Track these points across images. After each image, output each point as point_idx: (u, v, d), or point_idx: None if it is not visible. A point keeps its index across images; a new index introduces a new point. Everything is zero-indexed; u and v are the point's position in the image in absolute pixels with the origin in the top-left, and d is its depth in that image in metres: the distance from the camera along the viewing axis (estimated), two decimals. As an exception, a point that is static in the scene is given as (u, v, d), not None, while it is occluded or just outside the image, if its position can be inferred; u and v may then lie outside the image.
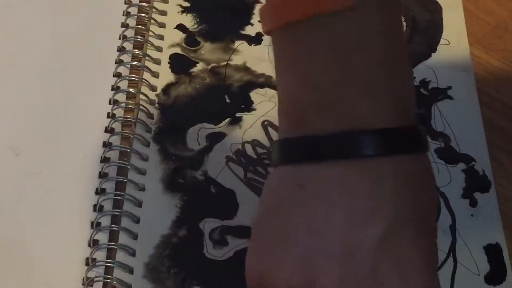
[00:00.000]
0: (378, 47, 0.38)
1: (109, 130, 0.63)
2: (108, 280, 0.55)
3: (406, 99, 0.39)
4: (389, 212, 0.37)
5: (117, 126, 0.63)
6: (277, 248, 0.40)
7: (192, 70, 0.67)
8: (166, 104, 0.65)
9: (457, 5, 0.72)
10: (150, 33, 0.69)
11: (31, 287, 0.55)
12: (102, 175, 0.60)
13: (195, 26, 0.70)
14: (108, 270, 0.56)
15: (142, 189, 0.60)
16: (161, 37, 0.69)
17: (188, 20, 0.71)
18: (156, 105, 0.65)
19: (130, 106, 0.64)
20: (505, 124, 0.65)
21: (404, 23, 0.71)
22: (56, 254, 0.56)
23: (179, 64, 0.68)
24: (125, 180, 0.60)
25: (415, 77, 0.67)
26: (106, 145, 0.62)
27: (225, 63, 0.68)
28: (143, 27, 0.69)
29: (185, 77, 0.67)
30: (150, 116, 0.64)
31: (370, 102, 0.38)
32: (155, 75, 0.67)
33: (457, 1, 0.72)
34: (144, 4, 0.71)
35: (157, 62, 0.67)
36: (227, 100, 0.66)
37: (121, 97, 0.65)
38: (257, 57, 0.68)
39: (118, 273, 0.56)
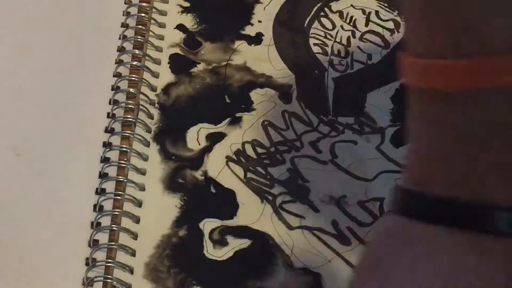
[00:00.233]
0: None
1: (109, 130, 0.63)
2: (108, 280, 0.55)
3: None
4: None
5: (117, 126, 0.63)
6: None
7: (192, 70, 0.67)
8: (166, 104, 0.65)
9: (457, 5, 0.72)
10: (150, 33, 0.69)
11: (31, 287, 0.55)
12: (102, 175, 0.60)
13: (195, 26, 0.70)
14: (108, 270, 0.56)
15: (142, 189, 0.60)
16: (161, 37, 0.69)
17: (188, 20, 0.71)
18: (156, 105, 0.65)
19: (130, 106, 0.64)
20: (505, 124, 0.65)
21: (404, 23, 0.71)
22: (56, 254, 0.56)
23: (179, 64, 0.68)
24: (125, 180, 0.60)
25: (415, 77, 0.67)
26: (106, 145, 0.62)
27: (225, 63, 0.68)
28: (143, 27, 0.69)
29: (185, 77, 0.67)
30: (150, 116, 0.64)
31: (505, 178, 0.37)
32: (155, 75, 0.67)
33: (457, 1, 0.72)
34: (144, 4, 0.71)
35: (157, 62, 0.67)
36: (227, 100, 0.66)
37: (121, 97, 0.65)
38: (257, 57, 0.68)
39: (118, 273, 0.56)
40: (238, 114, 0.65)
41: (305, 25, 0.71)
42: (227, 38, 0.69)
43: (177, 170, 0.61)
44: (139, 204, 0.59)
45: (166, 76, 0.67)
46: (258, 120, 0.64)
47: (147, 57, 0.67)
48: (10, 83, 0.65)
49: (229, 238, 0.58)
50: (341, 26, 0.71)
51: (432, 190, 0.38)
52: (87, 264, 0.56)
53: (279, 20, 0.71)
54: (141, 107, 0.64)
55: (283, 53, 0.69)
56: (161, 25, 0.70)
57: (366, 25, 0.71)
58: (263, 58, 0.68)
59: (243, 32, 0.70)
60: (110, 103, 0.64)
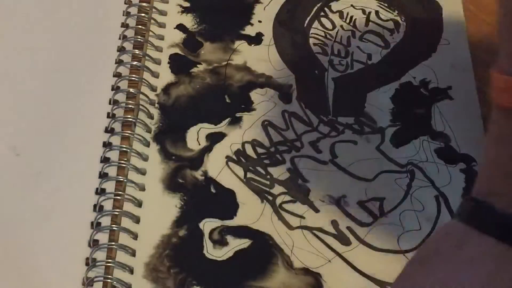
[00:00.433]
0: None
1: (109, 130, 0.63)
2: (108, 280, 0.55)
3: None
4: None
5: (117, 126, 0.63)
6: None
7: (192, 70, 0.67)
8: (166, 104, 0.65)
9: (457, 5, 0.72)
10: (150, 33, 0.69)
11: (31, 287, 0.55)
12: (102, 175, 0.60)
13: (195, 26, 0.70)
14: (108, 270, 0.56)
15: (142, 189, 0.60)
16: (161, 37, 0.69)
17: (188, 20, 0.71)
18: (156, 105, 0.65)
19: (130, 106, 0.64)
20: (505, 124, 0.65)
21: (404, 23, 0.71)
22: (56, 254, 0.56)
23: (179, 64, 0.68)
24: (125, 180, 0.60)
25: (415, 77, 0.67)
26: (106, 145, 0.62)
27: (225, 63, 0.68)
28: (143, 27, 0.69)
29: (185, 77, 0.67)
30: (150, 116, 0.64)
31: None
32: (155, 75, 0.67)
33: (457, 1, 0.72)
34: (144, 4, 0.71)
35: (157, 62, 0.67)
36: (227, 100, 0.66)
37: (121, 97, 0.65)
38: (257, 57, 0.68)
39: (118, 273, 0.56)
40: (238, 114, 0.65)
41: (305, 25, 0.71)
42: (227, 38, 0.69)
43: (177, 170, 0.61)
44: (139, 204, 0.59)
45: (166, 76, 0.67)
46: (258, 120, 0.64)
47: (147, 57, 0.67)
48: (10, 83, 0.65)
49: (229, 238, 0.58)
50: (341, 26, 0.71)
51: (494, 203, 0.41)
52: (87, 264, 0.56)
53: (279, 20, 0.71)
54: (141, 107, 0.64)
55: (283, 53, 0.69)
56: (161, 25, 0.70)
57: (366, 25, 0.71)
58: (263, 58, 0.68)
59: (243, 32, 0.70)
60: (110, 103, 0.64)
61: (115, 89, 0.65)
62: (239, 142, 0.63)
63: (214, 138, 0.63)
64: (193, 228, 0.58)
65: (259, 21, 0.71)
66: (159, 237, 0.57)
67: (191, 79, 0.67)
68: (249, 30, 0.70)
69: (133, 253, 0.57)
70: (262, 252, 0.57)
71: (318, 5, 0.72)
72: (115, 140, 0.62)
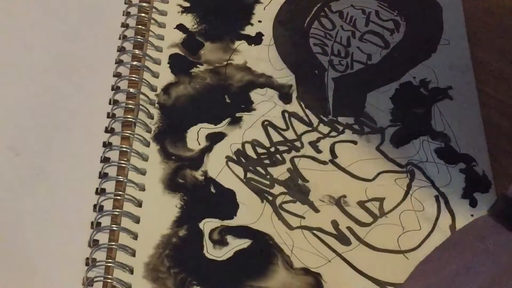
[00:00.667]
0: None
1: (109, 130, 0.63)
2: (108, 280, 0.55)
3: None
4: None
5: (117, 126, 0.63)
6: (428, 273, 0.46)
7: (192, 70, 0.67)
8: (166, 104, 0.65)
9: (457, 5, 0.72)
10: (150, 33, 0.69)
11: (31, 287, 0.55)
12: (102, 175, 0.60)
13: (195, 26, 0.70)
14: (108, 270, 0.56)
15: (142, 189, 0.60)
16: (161, 37, 0.69)
17: (188, 20, 0.71)
18: (156, 105, 0.65)
19: (130, 106, 0.64)
20: (505, 124, 0.65)
21: (404, 23, 0.71)
22: (56, 254, 0.56)
23: (179, 64, 0.68)
24: (125, 180, 0.60)
25: (415, 77, 0.67)
26: (106, 145, 0.62)
27: (226, 63, 0.68)
28: (143, 27, 0.69)
29: (185, 77, 0.67)
30: (150, 116, 0.64)
31: None
32: (155, 75, 0.67)
33: (457, 1, 0.72)
34: (144, 4, 0.71)
35: (157, 62, 0.67)
36: (227, 100, 0.66)
37: (121, 97, 0.65)
38: (257, 57, 0.68)
39: (118, 273, 0.56)
40: (238, 114, 0.65)
41: (305, 25, 0.71)
42: (227, 38, 0.69)
43: (177, 170, 0.61)
44: (139, 204, 0.59)
45: (166, 76, 0.67)
46: (258, 120, 0.64)
47: (147, 57, 0.67)
48: (10, 83, 0.65)
49: (229, 238, 0.58)
50: (341, 26, 0.71)
51: None
52: (87, 264, 0.56)
53: (279, 20, 0.71)
54: (141, 107, 0.64)
55: (283, 53, 0.69)
56: (161, 25, 0.70)
57: (366, 25, 0.71)
58: (263, 58, 0.68)
59: (243, 32, 0.70)
60: (110, 103, 0.64)
61: (115, 89, 0.65)
62: (239, 142, 0.63)
63: (214, 138, 0.63)
64: (193, 228, 0.58)
65: (259, 21, 0.71)
66: (159, 237, 0.57)
67: (191, 79, 0.67)
68: (249, 30, 0.70)
69: (133, 253, 0.57)
70: (262, 252, 0.57)
71: (318, 5, 0.72)
72: (115, 140, 0.62)
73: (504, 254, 0.43)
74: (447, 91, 0.66)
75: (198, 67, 0.67)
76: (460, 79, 0.67)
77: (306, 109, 0.65)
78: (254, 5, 0.72)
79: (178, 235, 0.58)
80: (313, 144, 0.63)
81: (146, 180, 0.60)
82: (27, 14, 0.70)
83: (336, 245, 0.58)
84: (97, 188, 0.59)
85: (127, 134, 0.62)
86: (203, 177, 0.61)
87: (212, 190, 0.60)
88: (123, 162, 0.61)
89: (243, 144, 0.63)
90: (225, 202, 0.60)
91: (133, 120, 0.63)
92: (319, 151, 0.63)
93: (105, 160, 0.61)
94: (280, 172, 0.61)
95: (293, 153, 0.62)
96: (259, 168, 0.61)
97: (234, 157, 0.62)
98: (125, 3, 0.71)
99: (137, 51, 0.67)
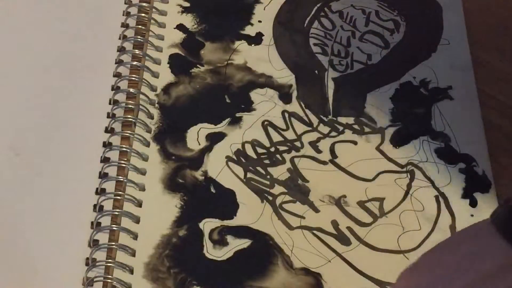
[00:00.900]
0: None
1: (109, 130, 0.63)
2: (108, 280, 0.55)
3: None
4: None
5: (117, 126, 0.63)
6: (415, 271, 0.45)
7: (192, 70, 0.67)
8: (166, 104, 0.65)
9: (457, 5, 0.72)
10: (150, 33, 0.69)
11: (31, 287, 0.55)
12: (102, 175, 0.60)
13: (195, 26, 0.70)
14: (108, 270, 0.56)
15: (142, 189, 0.60)
16: (161, 37, 0.69)
17: (188, 20, 0.71)
18: (156, 105, 0.65)
19: (130, 106, 0.64)
20: (505, 124, 0.65)
21: (404, 23, 0.71)
22: (56, 254, 0.56)
23: (179, 64, 0.68)
24: (125, 180, 0.60)
25: (415, 77, 0.67)
26: (106, 145, 0.62)
27: (226, 63, 0.68)
28: (143, 27, 0.69)
29: (185, 77, 0.67)
30: (150, 116, 0.64)
31: None
32: (155, 75, 0.67)
33: (457, 1, 0.72)
34: (144, 4, 0.71)
35: (157, 62, 0.67)
36: (227, 100, 0.66)
37: (121, 97, 0.65)
38: (257, 57, 0.68)
39: (118, 273, 0.56)
40: (238, 114, 0.65)
41: (305, 25, 0.71)
42: (227, 38, 0.69)
43: (177, 170, 0.61)
44: (139, 204, 0.59)
45: (166, 76, 0.67)
46: (258, 120, 0.64)
47: (147, 57, 0.67)
48: (10, 83, 0.65)
49: (229, 238, 0.58)
50: (341, 26, 0.71)
51: None
52: (87, 264, 0.56)
53: (279, 20, 0.71)
54: (141, 107, 0.64)
55: (283, 53, 0.69)
56: (161, 25, 0.70)
57: (366, 25, 0.71)
58: (263, 58, 0.68)
59: (243, 32, 0.70)
60: (110, 103, 0.64)
61: (115, 89, 0.65)
62: (239, 142, 0.63)
63: (214, 138, 0.63)
64: (193, 228, 0.58)
65: (259, 21, 0.71)
66: (159, 237, 0.57)
67: (191, 79, 0.67)
68: (249, 30, 0.70)
69: (133, 253, 0.57)
70: (262, 252, 0.57)
71: (318, 5, 0.72)
72: (115, 140, 0.62)
73: (491, 259, 0.42)
74: (447, 91, 0.66)
75: (198, 67, 0.67)
76: (460, 79, 0.67)
77: (306, 109, 0.65)
78: (254, 5, 0.72)
79: (178, 235, 0.58)
80: (313, 144, 0.63)
81: (146, 180, 0.60)
82: (27, 14, 0.70)
83: (336, 245, 0.58)
84: (97, 188, 0.59)
85: (127, 134, 0.62)
86: (203, 177, 0.61)
87: (212, 190, 0.60)
88: (123, 162, 0.61)
89: (243, 144, 0.63)
90: (225, 202, 0.60)
91: (133, 120, 0.63)
92: (319, 151, 0.63)
93: (105, 160, 0.61)
94: (280, 172, 0.61)
95: (293, 153, 0.62)
96: (259, 168, 0.61)
97: (234, 157, 0.62)
98: (125, 3, 0.71)
99: (137, 51, 0.67)
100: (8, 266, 0.56)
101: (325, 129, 0.64)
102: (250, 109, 0.65)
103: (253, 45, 0.69)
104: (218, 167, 0.61)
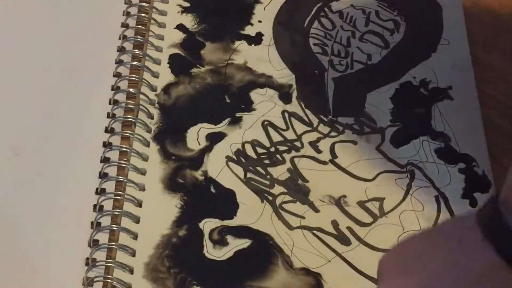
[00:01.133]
0: None
1: (109, 130, 0.63)
2: (108, 280, 0.55)
3: None
4: None
5: (117, 126, 0.63)
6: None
7: (192, 70, 0.67)
8: (166, 104, 0.65)
9: (457, 5, 0.72)
10: (150, 33, 0.69)
11: (31, 287, 0.55)
12: (102, 175, 0.60)
13: (195, 26, 0.70)
14: (108, 270, 0.56)
15: (142, 189, 0.60)
16: (161, 37, 0.69)
17: (188, 20, 0.71)
18: (156, 105, 0.65)
19: (130, 106, 0.64)
20: (505, 124, 0.65)
21: (404, 23, 0.71)
22: (56, 254, 0.56)
23: (179, 64, 0.68)
24: (125, 180, 0.60)
25: (415, 77, 0.67)
26: (106, 145, 0.62)
27: (226, 63, 0.68)
28: (143, 27, 0.69)
29: (185, 77, 0.67)
30: (150, 116, 0.64)
31: None
32: (155, 75, 0.67)
33: (457, 1, 0.72)
34: (144, 4, 0.71)
35: (157, 62, 0.67)
36: (227, 100, 0.66)
37: (121, 97, 0.65)
38: (257, 57, 0.68)
39: (118, 273, 0.56)
40: (238, 114, 0.65)
41: (305, 25, 0.71)
42: (227, 38, 0.69)
43: (177, 170, 0.61)
44: (139, 204, 0.59)
45: (166, 76, 0.67)
46: (258, 120, 0.64)
47: (147, 57, 0.67)
48: (10, 83, 0.65)
49: (229, 238, 0.58)
50: (341, 26, 0.71)
51: (503, 212, 0.41)
52: (87, 264, 0.56)
53: (279, 20, 0.71)
54: (141, 107, 0.64)
55: (283, 53, 0.69)
56: (161, 25, 0.70)
57: (366, 25, 0.71)
58: (263, 58, 0.68)
59: (243, 32, 0.70)
60: (110, 103, 0.64)
61: (115, 89, 0.65)
62: (239, 142, 0.63)
63: (214, 138, 0.63)
64: (193, 228, 0.58)
65: (259, 21, 0.71)
66: (159, 237, 0.57)
67: (191, 79, 0.67)
68: (249, 30, 0.70)
69: (133, 253, 0.57)
70: (262, 252, 0.57)
71: (318, 5, 0.72)
72: (115, 140, 0.62)
73: (475, 262, 0.41)
74: (447, 91, 0.66)
75: (198, 67, 0.67)
76: (460, 79, 0.67)
77: (306, 109, 0.65)
78: (254, 5, 0.72)
79: (178, 235, 0.58)
80: (313, 144, 0.63)
81: (146, 180, 0.60)
82: (27, 14, 0.70)
83: (336, 245, 0.58)
84: (97, 188, 0.59)
85: (127, 134, 0.62)
86: (203, 177, 0.61)
87: (212, 190, 0.60)
88: (123, 162, 0.61)
89: (243, 144, 0.63)
90: (225, 202, 0.60)
91: (133, 120, 0.63)
92: (319, 151, 0.63)
93: (105, 160, 0.61)
94: (280, 172, 0.61)
95: (293, 153, 0.62)
96: (259, 168, 0.61)
97: (234, 157, 0.62)
98: (125, 3, 0.71)
99: (137, 51, 0.67)
100: (8, 266, 0.56)
101: (325, 129, 0.64)
102: (250, 109, 0.65)
103: (253, 45, 0.69)
104: (218, 167, 0.61)
